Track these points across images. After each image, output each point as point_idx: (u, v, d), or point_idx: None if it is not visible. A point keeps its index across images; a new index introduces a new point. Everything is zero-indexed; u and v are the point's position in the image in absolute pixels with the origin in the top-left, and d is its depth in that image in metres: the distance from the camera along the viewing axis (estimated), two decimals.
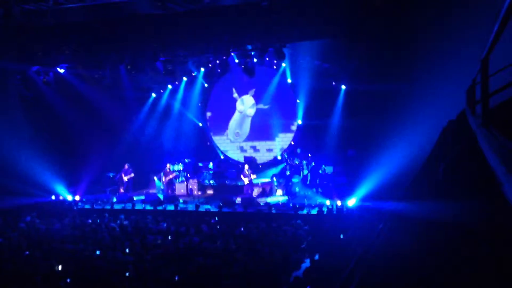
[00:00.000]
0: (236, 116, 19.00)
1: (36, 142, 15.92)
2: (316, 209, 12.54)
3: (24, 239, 10.24)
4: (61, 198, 15.80)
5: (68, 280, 7.22)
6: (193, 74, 18.53)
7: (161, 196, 15.20)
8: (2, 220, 12.37)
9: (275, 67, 17.63)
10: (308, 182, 15.04)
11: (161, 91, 18.92)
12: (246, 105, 18.74)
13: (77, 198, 15.66)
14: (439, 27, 9.98)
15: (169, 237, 10.09)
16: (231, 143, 19.17)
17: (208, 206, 13.80)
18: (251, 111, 18.70)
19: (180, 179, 16.77)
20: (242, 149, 19.00)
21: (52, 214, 13.61)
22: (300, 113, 17.94)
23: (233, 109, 19.05)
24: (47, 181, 15.62)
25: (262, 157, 18.64)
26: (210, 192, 16.61)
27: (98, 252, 8.84)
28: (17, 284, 7.09)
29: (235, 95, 18.83)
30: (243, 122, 18.86)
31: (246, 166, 15.78)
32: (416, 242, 7.57)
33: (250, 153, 18.78)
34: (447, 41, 9.72)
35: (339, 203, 12.72)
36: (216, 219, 12.32)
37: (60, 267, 7.84)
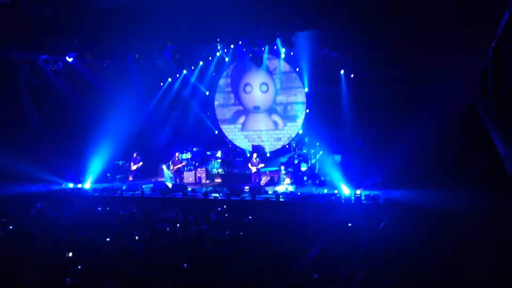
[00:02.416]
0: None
1: (46, 130, 16.06)
2: (324, 198, 12.54)
3: (35, 226, 10.36)
4: (71, 186, 15.97)
5: (79, 267, 7.30)
6: (201, 63, 18.51)
7: (169, 185, 15.28)
8: (13, 207, 12.51)
9: (283, 55, 17.55)
10: (316, 171, 15.03)
11: (169, 80, 18.92)
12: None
13: (87, 186, 15.81)
14: (450, 13, 9.85)
15: (178, 225, 10.15)
16: (239, 132, 19.18)
17: (216, 195, 13.86)
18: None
19: (189, 167, 16.84)
20: (250, 138, 19.00)
21: (62, 202, 13.74)
22: (308, 101, 17.88)
23: (240, 97, 19.02)
24: (57, 169, 15.78)
25: (270, 145, 18.65)
26: (218, 180, 16.69)
27: (108, 240, 8.91)
28: (27, 271, 7.19)
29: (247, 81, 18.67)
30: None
31: (254, 155, 15.79)
32: (424, 231, 7.58)
33: (258, 142, 18.78)
34: (457, 28, 9.60)
35: (347, 192, 12.72)
36: (225, 207, 12.35)
37: (70, 254, 7.92)
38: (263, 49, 15.35)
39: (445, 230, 6.96)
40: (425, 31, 10.92)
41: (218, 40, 15.08)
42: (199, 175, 16.64)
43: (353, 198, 12.30)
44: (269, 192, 13.75)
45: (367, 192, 12.37)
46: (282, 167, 15.72)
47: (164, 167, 17.13)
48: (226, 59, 18.43)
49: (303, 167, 15.23)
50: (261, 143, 18.67)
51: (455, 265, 5.64)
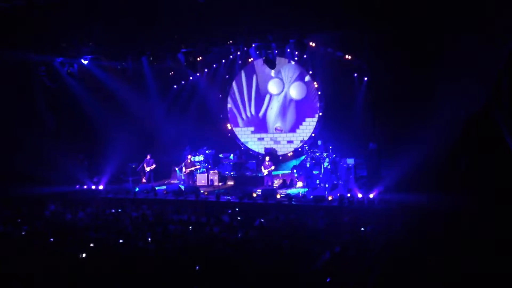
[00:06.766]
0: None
1: (61, 132, 16.26)
2: (337, 201, 12.47)
3: (49, 227, 10.47)
4: (85, 187, 16.12)
5: (92, 267, 7.35)
6: (214, 66, 18.58)
7: (182, 187, 15.34)
8: (28, 208, 12.66)
9: (296, 58, 17.53)
10: (329, 174, 14.95)
11: (182, 82, 19.02)
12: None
13: (101, 187, 15.95)
14: (466, 17, 9.74)
15: (190, 227, 10.18)
16: (251, 134, 19.17)
17: (229, 197, 13.87)
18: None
19: (201, 170, 16.89)
20: (262, 141, 18.98)
21: (76, 203, 13.87)
22: (321, 104, 17.82)
23: (252, 100, 19.03)
24: (72, 170, 15.95)
25: (282, 148, 18.62)
26: (230, 183, 16.71)
27: (121, 241, 8.98)
28: (41, 271, 7.26)
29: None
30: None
31: (267, 158, 15.78)
32: (437, 236, 7.49)
33: (270, 144, 18.76)
34: (473, 32, 9.48)
35: (360, 195, 12.64)
36: (237, 210, 12.35)
37: (84, 255, 7.99)
38: (276, 51, 15.34)
39: (459, 235, 6.87)
40: (439, 32, 10.82)
41: (231, 42, 15.11)
42: (211, 177, 16.67)
43: (366, 202, 12.22)
44: (282, 195, 13.71)
45: (380, 196, 12.27)
46: (295, 170, 15.69)
47: (176, 169, 17.21)
48: (239, 62, 18.48)
49: (316, 170, 15.17)
50: (274, 146, 18.65)
51: (469, 270, 5.56)
